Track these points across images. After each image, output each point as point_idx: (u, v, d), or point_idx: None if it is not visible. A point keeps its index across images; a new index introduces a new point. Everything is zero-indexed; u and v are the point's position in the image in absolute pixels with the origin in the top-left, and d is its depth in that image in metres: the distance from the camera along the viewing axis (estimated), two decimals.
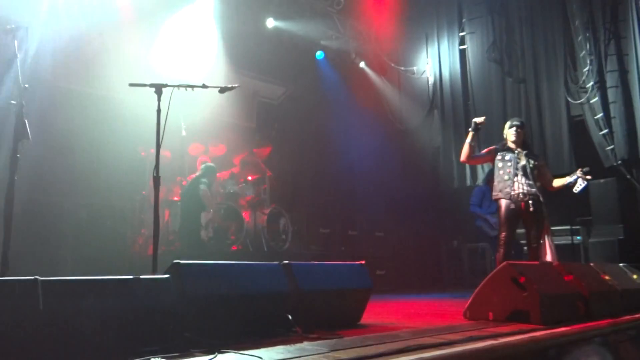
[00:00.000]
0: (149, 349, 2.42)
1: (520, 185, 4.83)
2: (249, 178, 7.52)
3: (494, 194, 5.03)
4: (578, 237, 7.61)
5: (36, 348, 2.19)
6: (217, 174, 6.78)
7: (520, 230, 5.11)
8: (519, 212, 4.81)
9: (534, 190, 4.84)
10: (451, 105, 9.87)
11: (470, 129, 4.99)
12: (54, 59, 7.18)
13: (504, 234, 4.83)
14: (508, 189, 4.85)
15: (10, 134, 3.15)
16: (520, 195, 4.81)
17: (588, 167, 5.25)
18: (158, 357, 2.21)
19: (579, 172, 4.91)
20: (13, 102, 3.14)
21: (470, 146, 4.97)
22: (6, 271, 2.91)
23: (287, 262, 3.35)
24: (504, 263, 3.73)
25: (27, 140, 3.03)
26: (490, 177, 6.93)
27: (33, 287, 2.28)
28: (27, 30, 3.32)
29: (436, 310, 4.99)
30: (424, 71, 10.30)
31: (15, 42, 3.29)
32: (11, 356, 2.12)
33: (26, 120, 3.07)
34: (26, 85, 3.16)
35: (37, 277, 2.33)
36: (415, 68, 10.38)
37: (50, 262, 5.47)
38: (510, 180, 4.85)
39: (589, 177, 4.88)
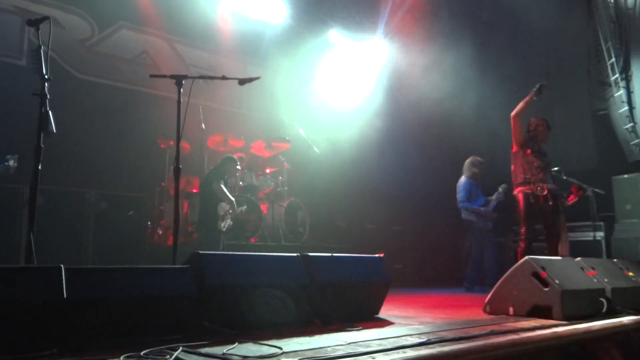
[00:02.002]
0: (169, 338, 2.44)
1: (542, 180, 4.78)
2: (267, 171, 7.54)
3: (516, 188, 4.97)
4: (600, 233, 7.48)
5: (60, 334, 2.23)
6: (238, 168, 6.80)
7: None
8: (538, 206, 4.75)
9: (552, 184, 4.78)
10: (472, 97, 9.74)
11: (535, 89, 4.91)
12: (76, 51, 7.28)
13: (524, 228, 4.79)
14: (530, 184, 4.80)
15: (35, 125, 3.20)
16: (541, 190, 4.75)
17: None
18: (178, 346, 2.24)
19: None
20: (37, 93, 3.18)
21: (527, 105, 4.91)
22: (31, 260, 2.96)
23: (306, 253, 3.36)
24: (525, 258, 3.69)
25: (51, 131, 3.07)
26: (477, 170, 6.85)
27: (57, 274, 2.32)
28: (50, 22, 3.34)
29: (455, 304, 4.96)
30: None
31: (39, 33, 3.33)
32: (36, 342, 2.16)
33: (50, 112, 3.11)
34: (50, 77, 3.19)
35: (61, 265, 2.37)
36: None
37: (72, 252, 5.56)
38: (535, 175, 4.79)
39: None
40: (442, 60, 9.28)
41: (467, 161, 7.04)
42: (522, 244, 4.77)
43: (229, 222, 6.21)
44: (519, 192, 4.91)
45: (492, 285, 6.29)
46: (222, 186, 6.19)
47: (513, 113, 5.06)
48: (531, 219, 4.82)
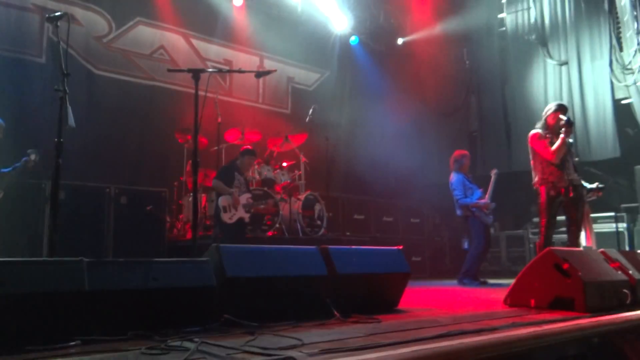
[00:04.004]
0: (190, 330, 2.46)
1: (563, 171, 4.69)
2: (284, 164, 7.55)
3: (535, 180, 4.88)
4: (623, 224, 7.34)
5: (82, 326, 2.26)
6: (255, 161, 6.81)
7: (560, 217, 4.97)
8: (560, 198, 4.67)
9: (575, 175, 4.69)
10: (489, 89, 9.64)
11: (567, 121, 4.71)
12: (94, 47, 7.35)
13: (544, 220, 4.71)
14: (552, 176, 4.71)
15: (55, 120, 3.24)
16: (561, 181, 4.67)
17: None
18: (199, 338, 2.25)
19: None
20: (57, 89, 3.21)
21: (564, 141, 4.70)
22: (53, 253, 3.00)
23: (324, 246, 3.35)
24: (547, 249, 3.63)
25: (71, 126, 3.10)
26: (464, 162, 6.74)
27: (79, 267, 2.35)
28: (69, 19, 3.37)
29: (474, 296, 4.91)
30: (462, 54, 10.07)
31: (59, 30, 3.36)
32: (60, 333, 2.19)
33: (69, 107, 3.14)
34: (69, 73, 3.22)
35: (82, 258, 2.40)
36: (452, 51, 10.15)
37: (93, 246, 5.63)
38: (556, 166, 4.70)
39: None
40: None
41: (452, 156, 6.91)
42: (542, 237, 4.70)
43: (236, 213, 6.17)
44: (540, 185, 4.82)
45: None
46: (220, 182, 6.20)
47: (552, 157, 4.79)
48: (552, 212, 4.73)
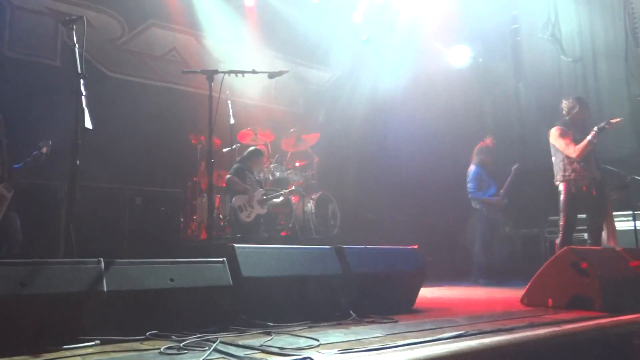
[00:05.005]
0: (207, 329, 2.47)
1: (585, 168, 4.62)
2: (297, 164, 7.55)
3: (557, 177, 4.80)
4: None
5: (101, 325, 2.28)
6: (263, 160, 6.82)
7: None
8: (581, 196, 4.60)
9: (598, 173, 4.61)
10: (501, 87, 9.56)
11: (598, 128, 4.67)
12: (107, 49, 7.41)
13: (564, 219, 4.64)
14: (573, 173, 4.64)
15: (70, 123, 3.26)
16: (583, 179, 4.60)
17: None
18: (216, 337, 2.26)
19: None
20: (74, 91, 3.23)
21: (591, 146, 4.67)
22: (70, 254, 3.03)
23: (339, 245, 3.34)
24: (564, 248, 3.60)
25: (88, 128, 3.12)
26: (485, 157, 6.67)
27: (97, 268, 2.37)
28: (84, 22, 3.39)
29: (490, 296, 4.87)
30: (473, 52, 10.00)
31: (74, 33, 3.38)
32: (79, 333, 2.21)
33: (86, 109, 3.16)
34: (85, 75, 3.24)
35: (100, 258, 2.41)
36: (462, 48, 10.08)
37: (108, 247, 5.67)
38: (577, 164, 4.62)
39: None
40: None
41: (476, 148, 6.90)
42: (561, 235, 4.63)
43: (253, 210, 6.20)
44: (561, 182, 4.75)
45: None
46: (235, 177, 6.22)
47: (575, 155, 4.73)
48: (572, 210, 4.66)
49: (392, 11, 9.63)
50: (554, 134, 4.88)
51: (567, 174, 4.71)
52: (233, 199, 6.18)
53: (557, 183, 4.84)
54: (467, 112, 9.88)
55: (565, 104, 4.97)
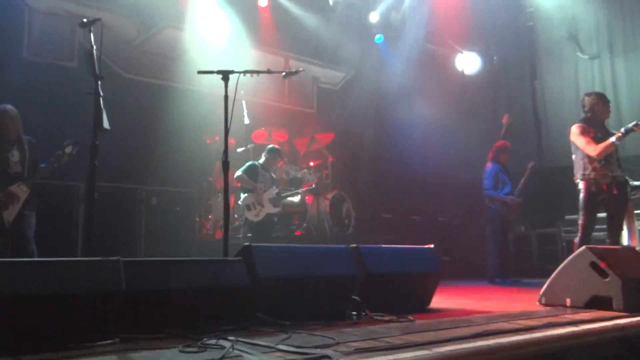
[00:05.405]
0: (224, 328, 2.48)
1: (605, 167, 4.54)
2: (311, 164, 7.56)
3: (576, 175, 4.72)
4: None
5: (121, 324, 2.30)
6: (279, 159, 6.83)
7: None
8: (602, 195, 4.53)
9: (619, 172, 4.53)
10: (518, 84, 9.49)
11: (625, 130, 4.54)
12: (123, 51, 7.49)
13: (583, 218, 4.58)
14: (594, 172, 4.56)
15: (88, 123, 3.30)
16: (604, 177, 4.53)
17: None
18: (233, 336, 2.27)
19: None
20: (91, 92, 3.27)
21: (613, 147, 4.58)
22: (89, 253, 3.07)
23: (354, 245, 3.34)
24: (583, 247, 3.55)
25: (106, 128, 3.16)
26: (503, 155, 6.61)
27: (116, 267, 2.39)
28: (101, 23, 3.43)
29: (506, 296, 4.84)
30: (488, 51, 9.93)
31: (92, 35, 3.42)
32: (99, 332, 2.23)
33: (104, 110, 3.20)
34: (103, 76, 3.28)
35: (119, 257, 2.44)
36: (477, 47, 10.02)
37: (125, 246, 5.74)
38: (598, 162, 4.55)
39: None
40: None
41: (494, 146, 6.86)
42: (580, 234, 4.56)
43: (262, 209, 6.15)
44: (581, 181, 4.67)
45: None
46: (244, 175, 6.19)
47: (595, 154, 4.62)
48: (592, 209, 4.57)
49: (406, 10, 9.60)
50: (574, 132, 4.79)
51: (587, 172, 4.64)
52: (242, 197, 6.18)
53: (576, 181, 4.77)
54: (482, 110, 9.82)
55: (587, 99, 4.86)
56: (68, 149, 4.46)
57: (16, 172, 4.40)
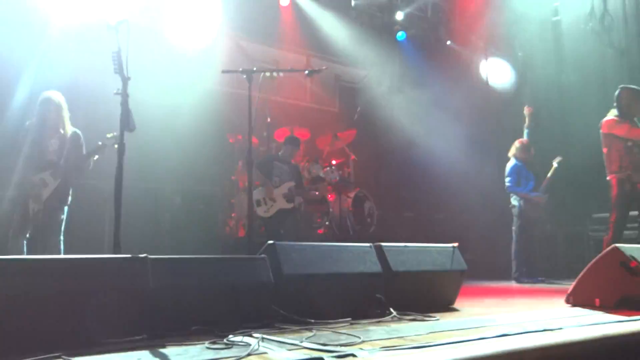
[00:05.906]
0: (249, 325, 2.50)
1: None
2: (334, 162, 7.56)
3: (611, 172, 4.61)
4: None
5: (148, 321, 2.34)
6: (300, 158, 6.82)
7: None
8: (635, 193, 4.41)
9: None
10: (542, 81, 9.32)
11: None
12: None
13: (614, 216, 4.47)
14: (628, 167, 4.45)
15: (117, 123, 3.35)
16: (638, 173, 4.41)
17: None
18: (259, 333, 2.28)
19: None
20: (117, 93, 3.32)
21: None
22: (118, 251, 3.12)
23: (378, 243, 3.33)
24: (612, 246, 3.47)
25: (133, 128, 3.21)
26: (525, 152, 6.47)
27: (143, 264, 2.43)
28: (128, 24, 3.48)
29: (532, 295, 4.76)
30: (512, 47, 9.78)
31: (118, 36, 3.47)
32: (127, 328, 2.27)
33: (131, 110, 3.25)
34: (130, 77, 3.33)
35: (146, 255, 2.48)
36: (501, 44, 9.87)
37: (151, 244, 5.82)
38: (632, 157, 4.44)
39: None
40: None
41: (515, 143, 6.75)
42: (610, 232, 4.46)
43: (274, 205, 6.05)
44: (613, 177, 4.57)
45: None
46: (257, 170, 6.02)
47: (624, 135, 4.59)
48: (624, 207, 4.46)
49: (430, 7, 9.52)
50: (610, 125, 4.67)
51: (620, 168, 4.51)
52: (253, 192, 6.13)
53: (608, 178, 4.66)
54: (506, 106, 9.68)
55: (625, 93, 4.74)
56: (110, 139, 4.43)
57: (51, 160, 4.46)
